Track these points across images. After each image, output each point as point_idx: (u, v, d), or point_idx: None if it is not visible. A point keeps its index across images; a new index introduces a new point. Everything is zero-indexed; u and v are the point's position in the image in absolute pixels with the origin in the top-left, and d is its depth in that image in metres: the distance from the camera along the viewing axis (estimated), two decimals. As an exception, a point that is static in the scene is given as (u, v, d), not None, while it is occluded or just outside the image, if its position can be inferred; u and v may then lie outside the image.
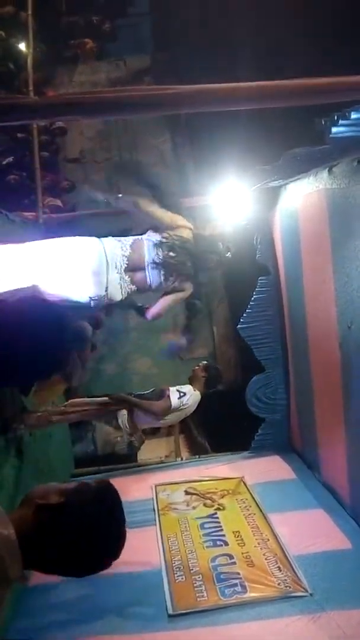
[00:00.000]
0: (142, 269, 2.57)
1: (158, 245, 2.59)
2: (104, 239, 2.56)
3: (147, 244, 2.59)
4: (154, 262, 2.55)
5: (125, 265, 2.52)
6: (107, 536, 1.04)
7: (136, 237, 2.68)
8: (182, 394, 3.84)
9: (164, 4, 7.33)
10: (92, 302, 2.47)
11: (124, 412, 3.80)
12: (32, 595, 2.89)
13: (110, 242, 2.55)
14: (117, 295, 2.54)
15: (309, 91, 1.83)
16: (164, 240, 2.61)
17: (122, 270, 2.51)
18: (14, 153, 4.90)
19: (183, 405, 3.86)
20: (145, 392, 3.94)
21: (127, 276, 2.53)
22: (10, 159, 4.62)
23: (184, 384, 4.09)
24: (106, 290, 2.48)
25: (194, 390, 3.93)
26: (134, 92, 1.63)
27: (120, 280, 2.51)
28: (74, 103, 1.43)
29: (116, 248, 2.53)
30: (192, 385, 4.01)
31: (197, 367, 4.14)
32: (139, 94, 1.62)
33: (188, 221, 2.82)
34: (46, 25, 5.71)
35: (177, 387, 3.89)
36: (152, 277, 2.58)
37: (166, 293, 2.74)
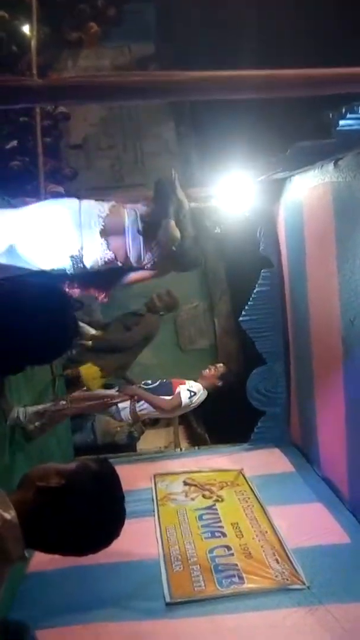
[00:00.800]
0: (121, 234, 2.36)
1: (139, 216, 2.41)
2: (84, 200, 2.39)
3: (129, 211, 2.41)
4: (135, 231, 2.35)
5: (101, 228, 2.32)
6: (107, 515, 1.04)
7: (115, 203, 2.50)
8: (192, 394, 3.79)
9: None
10: (68, 264, 2.29)
11: (126, 404, 3.75)
12: (30, 583, 2.91)
13: (88, 202, 2.39)
14: (93, 258, 2.32)
15: (316, 81, 1.79)
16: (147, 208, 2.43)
17: (97, 233, 2.30)
18: (16, 138, 4.85)
19: (192, 404, 3.86)
20: (153, 385, 3.88)
21: (102, 239, 2.32)
22: (14, 142, 4.55)
23: (185, 375, 4.07)
24: (80, 252, 2.27)
25: (203, 390, 3.86)
26: (140, 77, 1.59)
27: (94, 242, 2.29)
28: (79, 86, 1.39)
29: (93, 207, 2.35)
30: (200, 381, 3.94)
31: (213, 368, 4.04)
32: (144, 79, 1.59)
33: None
34: (50, 8, 5.62)
35: (188, 386, 3.81)
36: (132, 247, 2.37)
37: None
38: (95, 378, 3.81)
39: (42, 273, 1.17)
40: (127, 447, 5.06)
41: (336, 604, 2.69)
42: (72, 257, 2.25)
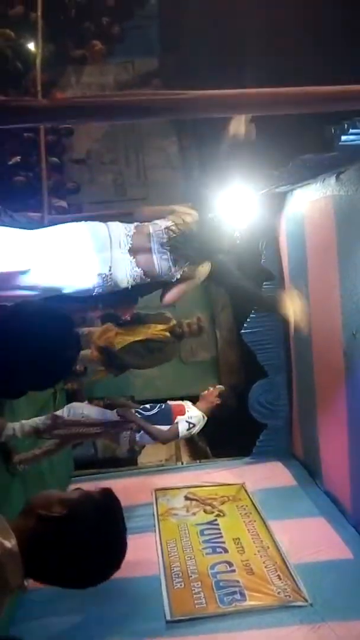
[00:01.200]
0: (148, 251, 2.40)
1: (164, 229, 2.45)
2: (109, 222, 2.43)
3: (152, 227, 2.46)
4: (161, 245, 2.40)
5: (130, 245, 2.36)
6: (109, 548, 1.02)
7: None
8: (191, 425, 3.54)
9: (171, 7, 7.32)
10: (96, 284, 2.31)
11: (126, 433, 3.59)
12: (28, 601, 2.87)
13: (114, 223, 2.43)
14: (122, 277, 2.35)
15: (320, 99, 1.81)
16: (170, 224, 2.47)
17: (127, 250, 2.34)
18: (20, 153, 4.90)
19: (190, 434, 3.66)
20: (151, 411, 3.72)
21: (132, 257, 2.35)
22: (18, 158, 4.59)
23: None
24: (110, 270, 2.30)
25: (203, 418, 3.61)
26: (144, 97, 1.61)
27: (125, 260, 2.33)
28: (84, 107, 1.41)
29: (119, 228, 2.40)
30: (200, 404, 3.70)
31: (212, 393, 3.77)
32: (148, 98, 1.60)
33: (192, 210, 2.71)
34: (55, 26, 5.71)
35: (187, 417, 3.53)
36: (161, 262, 2.40)
37: (179, 281, 2.56)
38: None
39: (50, 299, 1.16)
40: (127, 460, 5.04)
41: (339, 622, 2.66)
42: (101, 275, 2.29)
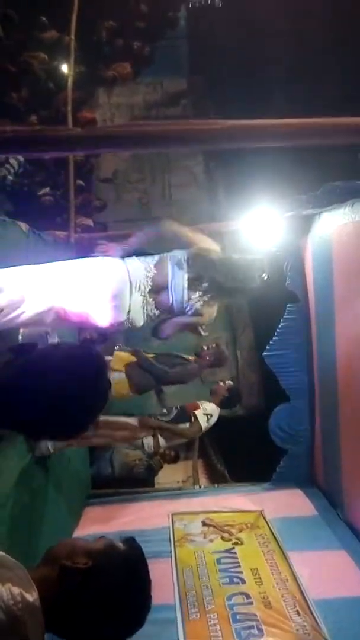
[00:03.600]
0: (166, 288, 2.41)
1: (183, 261, 2.44)
2: (127, 260, 2.42)
3: (171, 261, 2.44)
4: (178, 279, 2.40)
5: (150, 287, 2.38)
6: (134, 605, 0.98)
7: (160, 255, 2.52)
8: (209, 416, 3.92)
9: (200, 28, 7.45)
10: (112, 327, 2.34)
11: (149, 440, 3.78)
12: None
13: (134, 262, 2.42)
14: (139, 319, 2.40)
15: (350, 130, 1.78)
16: (190, 256, 2.46)
17: (146, 292, 2.37)
18: (48, 173, 4.99)
19: (210, 425, 4.00)
20: (170, 416, 3.91)
21: (150, 299, 2.39)
22: (47, 190, 4.67)
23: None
24: (128, 314, 2.34)
25: (217, 409, 3.96)
26: (176, 127, 1.60)
27: (143, 302, 2.37)
28: (117, 136, 1.41)
29: (140, 269, 2.39)
30: (212, 398, 4.07)
31: (221, 384, 4.22)
32: (180, 128, 1.59)
33: (216, 244, 2.67)
34: (87, 48, 5.84)
35: (203, 410, 3.89)
36: (175, 294, 2.40)
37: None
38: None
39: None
40: (144, 480, 4.98)
41: (361, 666, 2.54)
42: (120, 322, 2.31)
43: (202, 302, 2.45)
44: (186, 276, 2.39)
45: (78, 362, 1.04)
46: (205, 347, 4.23)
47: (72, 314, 2.23)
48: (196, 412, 3.89)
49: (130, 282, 2.32)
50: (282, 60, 6.24)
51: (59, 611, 0.92)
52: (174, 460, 5.24)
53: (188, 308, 2.43)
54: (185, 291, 2.40)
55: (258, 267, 2.65)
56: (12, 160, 4.02)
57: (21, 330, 2.63)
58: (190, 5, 7.52)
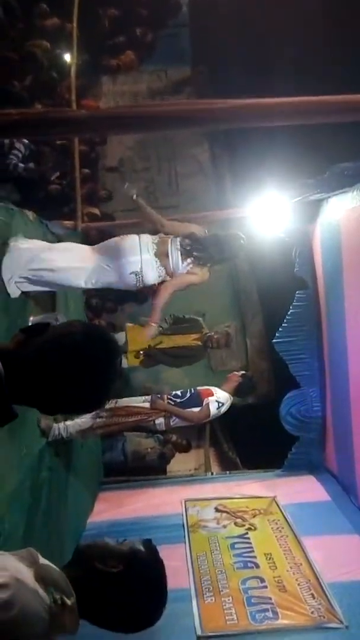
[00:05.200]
0: (167, 255, 3.13)
1: (179, 243, 3.18)
2: (142, 234, 3.18)
3: (172, 239, 3.18)
4: (176, 249, 3.14)
5: (155, 250, 3.09)
6: (159, 599, 1.12)
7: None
8: (220, 404, 3.91)
9: (202, 15, 7.35)
10: (130, 280, 3.05)
11: (161, 419, 3.82)
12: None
13: (144, 234, 3.18)
14: (151, 275, 3.09)
15: (356, 107, 1.75)
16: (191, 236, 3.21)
17: (153, 254, 3.08)
18: (54, 161, 4.97)
19: (220, 413, 3.99)
20: (183, 398, 3.95)
21: (157, 259, 3.09)
22: (57, 174, 4.67)
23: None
24: (141, 269, 3.04)
25: (230, 398, 4.00)
26: (180, 106, 1.59)
27: (152, 261, 3.07)
28: (122, 117, 1.40)
29: (148, 237, 3.15)
30: (225, 385, 4.06)
31: (235, 374, 4.20)
32: (184, 107, 1.58)
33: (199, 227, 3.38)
34: (90, 36, 5.79)
35: (216, 397, 3.91)
36: (174, 259, 3.13)
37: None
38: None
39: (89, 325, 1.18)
40: (157, 468, 5.00)
41: (377, 647, 2.55)
42: (134, 272, 3.05)
43: (192, 265, 3.19)
44: (179, 252, 3.16)
45: (95, 338, 1.07)
46: (214, 335, 4.35)
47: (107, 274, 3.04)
48: (209, 398, 3.91)
49: (140, 244, 3.07)
50: (288, 48, 6.14)
51: (94, 607, 1.06)
52: (186, 449, 5.26)
53: (182, 269, 3.16)
54: (180, 261, 3.16)
55: (237, 238, 3.30)
56: (17, 145, 4.00)
57: (31, 318, 3.02)
58: (192, -8, 7.43)
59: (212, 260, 3.22)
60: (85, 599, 1.03)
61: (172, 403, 3.89)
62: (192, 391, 4.00)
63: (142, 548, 1.12)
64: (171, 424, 3.93)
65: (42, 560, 1.02)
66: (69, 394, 1.04)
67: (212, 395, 3.94)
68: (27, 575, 0.96)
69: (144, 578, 1.08)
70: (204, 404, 3.85)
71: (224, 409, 3.96)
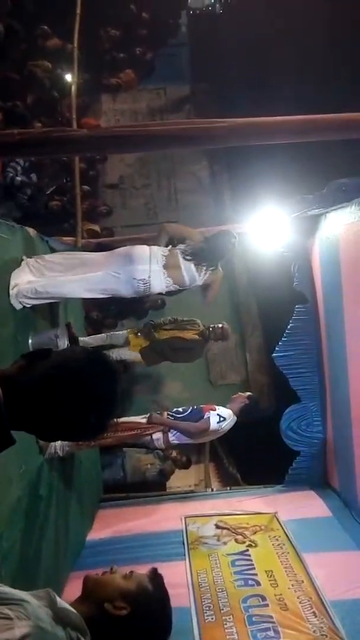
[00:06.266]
0: (178, 267, 3.28)
1: (186, 254, 3.35)
2: (152, 246, 3.32)
3: (181, 255, 3.33)
4: (185, 259, 3.30)
5: (164, 262, 3.23)
6: (164, 635, 1.14)
7: (169, 247, 3.46)
8: (222, 419, 3.86)
9: (202, 35, 7.49)
10: (137, 287, 3.17)
11: (159, 435, 3.77)
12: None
13: (155, 246, 3.33)
14: (157, 285, 3.24)
15: (354, 126, 1.79)
16: (190, 244, 3.42)
17: (161, 265, 3.22)
18: (55, 177, 5.03)
19: (221, 429, 3.91)
20: (184, 413, 3.91)
21: (165, 270, 3.23)
22: (54, 187, 4.74)
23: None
24: (149, 278, 3.17)
25: (233, 415, 3.94)
26: (179, 126, 1.62)
27: (160, 272, 3.21)
28: (123, 137, 1.43)
29: (158, 250, 3.30)
30: (230, 405, 4.01)
31: (241, 395, 4.18)
32: (184, 127, 1.61)
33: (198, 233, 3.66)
34: (90, 56, 5.89)
35: (218, 412, 3.87)
36: (187, 272, 3.30)
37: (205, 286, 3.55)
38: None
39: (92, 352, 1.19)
40: (156, 484, 4.96)
41: (380, 667, 2.51)
42: (142, 280, 3.17)
43: (208, 273, 3.43)
44: (193, 264, 3.33)
45: (98, 365, 1.09)
46: (211, 327, 4.33)
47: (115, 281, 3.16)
48: (210, 412, 3.87)
49: (150, 254, 3.21)
50: (287, 65, 6.25)
51: None
52: (186, 465, 5.22)
53: (202, 277, 3.40)
54: (195, 272, 3.36)
55: (229, 238, 3.51)
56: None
57: (30, 338, 3.04)
58: (191, 12, 7.57)
59: (212, 261, 3.40)
60: (97, 637, 1.07)
61: (172, 418, 3.85)
62: (194, 407, 3.97)
63: (149, 585, 1.14)
64: (170, 440, 3.87)
65: (60, 603, 1.04)
66: (72, 420, 1.05)
67: (214, 410, 3.90)
68: (46, 619, 0.97)
69: (150, 618, 1.12)
70: (204, 417, 3.82)
71: (225, 426, 3.88)
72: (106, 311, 5.62)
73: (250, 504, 4.28)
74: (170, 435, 3.86)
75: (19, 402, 1.02)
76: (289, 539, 3.66)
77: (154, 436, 3.85)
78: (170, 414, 3.90)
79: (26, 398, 1.03)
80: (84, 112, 5.78)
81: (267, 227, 4.27)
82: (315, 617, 2.91)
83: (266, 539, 3.71)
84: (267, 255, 4.69)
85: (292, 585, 3.19)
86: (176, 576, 3.26)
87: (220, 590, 3.17)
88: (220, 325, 4.33)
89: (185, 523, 3.96)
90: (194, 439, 4.00)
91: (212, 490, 4.95)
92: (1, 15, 4.69)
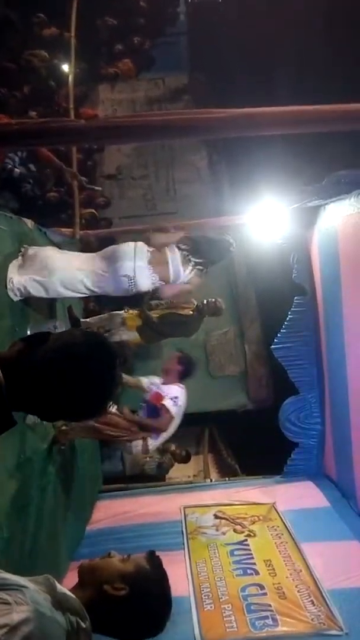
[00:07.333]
0: (163, 263, 3.24)
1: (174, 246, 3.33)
2: (137, 242, 3.28)
3: (171, 247, 3.31)
4: (173, 256, 3.26)
5: (149, 258, 3.20)
6: (165, 614, 1.17)
7: None
8: (175, 399, 3.90)
9: (200, 24, 7.42)
10: (123, 283, 3.14)
11: (139, 442, 3.88)
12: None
13: (140, 243, 3.29)
14: (144, 282, 3.21)
15: (353, 117, 1.77)
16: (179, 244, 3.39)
17: (147, 262, 3.19)
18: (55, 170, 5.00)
19: (182, 406, 3.97)
20: (142, 412, 3.97)
21: (151, 267, 3.20)
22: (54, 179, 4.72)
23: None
24: (134, 275, 3.14)
25: (181, 388, 3.98)
26: (178, 116, 1.60)
27: (145, 269, 3.18)
28: (121, 127, 1.42)
29: (143, 245, 3.26)
30: (167, 379, 4.04)
31: (169, 361, 4.23)
32: (183, 117, 1.59)
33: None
34: (88, 45, 5.84)
35: (168, 395, 3.91)
36: (173, 267, 3.26)
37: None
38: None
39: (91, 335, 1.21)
40: (156, 477, 4.98)
41: (377, 654, 2.54)
42: (127, 276, 3.14)
43: (193, 274, 3.38)
44: (180, 256, 3.28)
45: (98, 347, 1.11)
46: (205, 301, 4.34)
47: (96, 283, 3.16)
48: (163, 402, 3.89)
49: (135, 251, 3.19)
50: (287, 54, 6.19)
51: (104, 627, 1.12)
52: (185, 459, 5.24)
53: (183, 277, 3.33)
54: (181, 267, 3.29)
55: (227, 246, 3.53)
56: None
57: (29, 326, 3.02)
58: (189, 1, 7.50)
59: (205, 263, 3.39)
60: (97, 619, 1.09)
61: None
62: (145, 405, 4.02)
63: (146, 565, 1.15)
64: (149, 448, 4.00)
65: (60, 589, 1.06)
66: (73, 402, 1.08)
67: (163, 398, 3.93)
68: (45, 604, 0.99)
69: (149, 597, 1.13)
70: (161, 411, 3.84)
71: (182, 401, 3.94)
72: (102, 303, 5.61)
73: (249, 494, 4.31)
74: (149, 440, 3.94)
75: (19, 385, 1.04)
76: (287, 529, 3.69)
77: (133, 443, 3.93)
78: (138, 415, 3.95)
79: (27, 381, 1.05)
80: (82, 102, 5.73)
81: (266, 219, 4.26)
82: (313, 605, 2.94)
83: (265, 528, 3.74)
84: (266, 247, 4.68)
85: (291, 574, 3.22)
86: (175, 566, 3.28)
87: (219, 579, 3.20)
88: (213, 300, 4.35)
89: (184, 513, 3.99)
90: (168, 432, 4.04)
91: (211, 480, 4.97)
92: (-3, 4, 4.64)
